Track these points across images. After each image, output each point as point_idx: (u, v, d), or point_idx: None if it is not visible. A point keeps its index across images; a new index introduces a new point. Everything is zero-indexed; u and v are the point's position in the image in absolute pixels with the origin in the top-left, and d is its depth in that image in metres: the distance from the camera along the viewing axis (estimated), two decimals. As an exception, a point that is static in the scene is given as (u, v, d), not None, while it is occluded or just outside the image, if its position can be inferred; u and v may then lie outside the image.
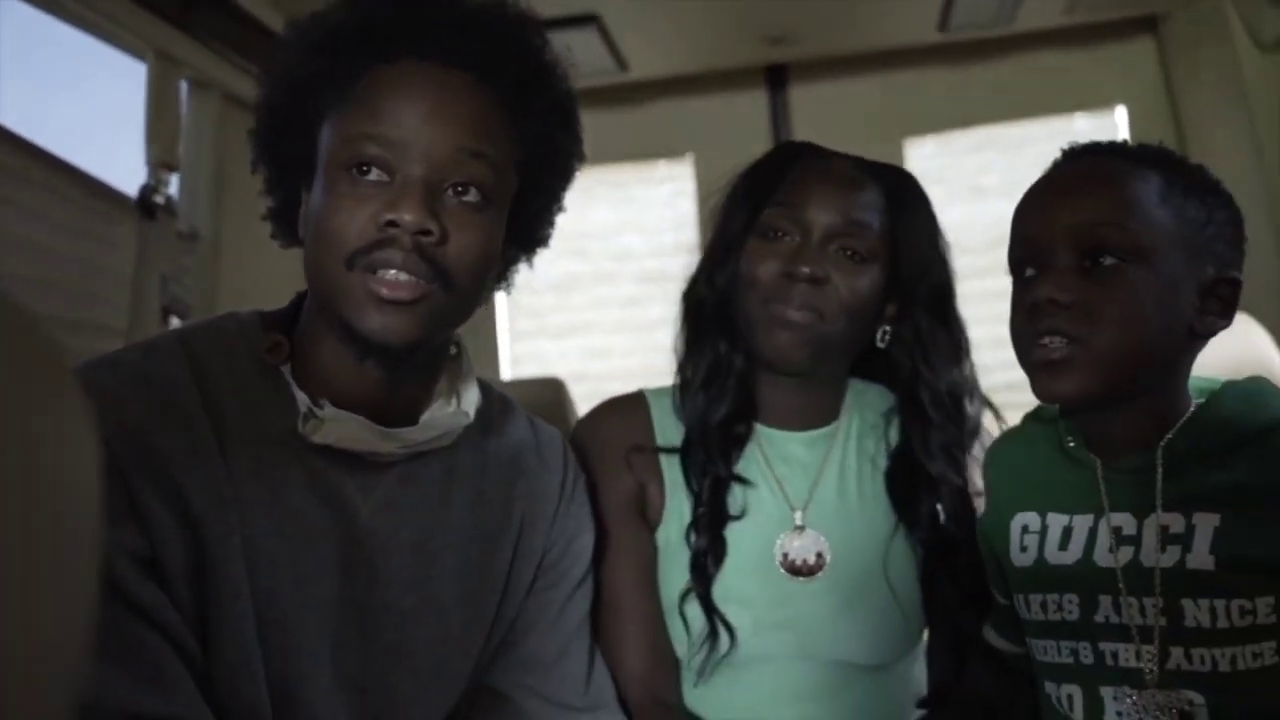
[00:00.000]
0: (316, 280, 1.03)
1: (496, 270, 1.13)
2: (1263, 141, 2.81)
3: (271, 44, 1.12)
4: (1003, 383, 3.43)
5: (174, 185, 2.41)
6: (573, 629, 1.21)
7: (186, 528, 0.93)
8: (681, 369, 1.39)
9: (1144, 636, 1.00)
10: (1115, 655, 1.02)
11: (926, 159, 3.64)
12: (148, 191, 2.29)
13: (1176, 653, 0.97)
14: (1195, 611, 0.96)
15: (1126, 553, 1.02)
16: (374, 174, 0.99)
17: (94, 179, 2.17)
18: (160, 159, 2.32)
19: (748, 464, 1.35)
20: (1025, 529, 1.12)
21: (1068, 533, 1.08)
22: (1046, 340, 1.00)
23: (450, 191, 1.00)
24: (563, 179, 1.17)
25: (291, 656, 0.99)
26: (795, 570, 1.29)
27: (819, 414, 1.39)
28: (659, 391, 1.42)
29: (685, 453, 1.34)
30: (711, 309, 1.35)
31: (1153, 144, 1.07)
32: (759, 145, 1.49)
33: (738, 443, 1.35)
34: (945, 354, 1.35)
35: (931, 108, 3.59)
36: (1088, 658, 1.04)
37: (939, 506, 1.32)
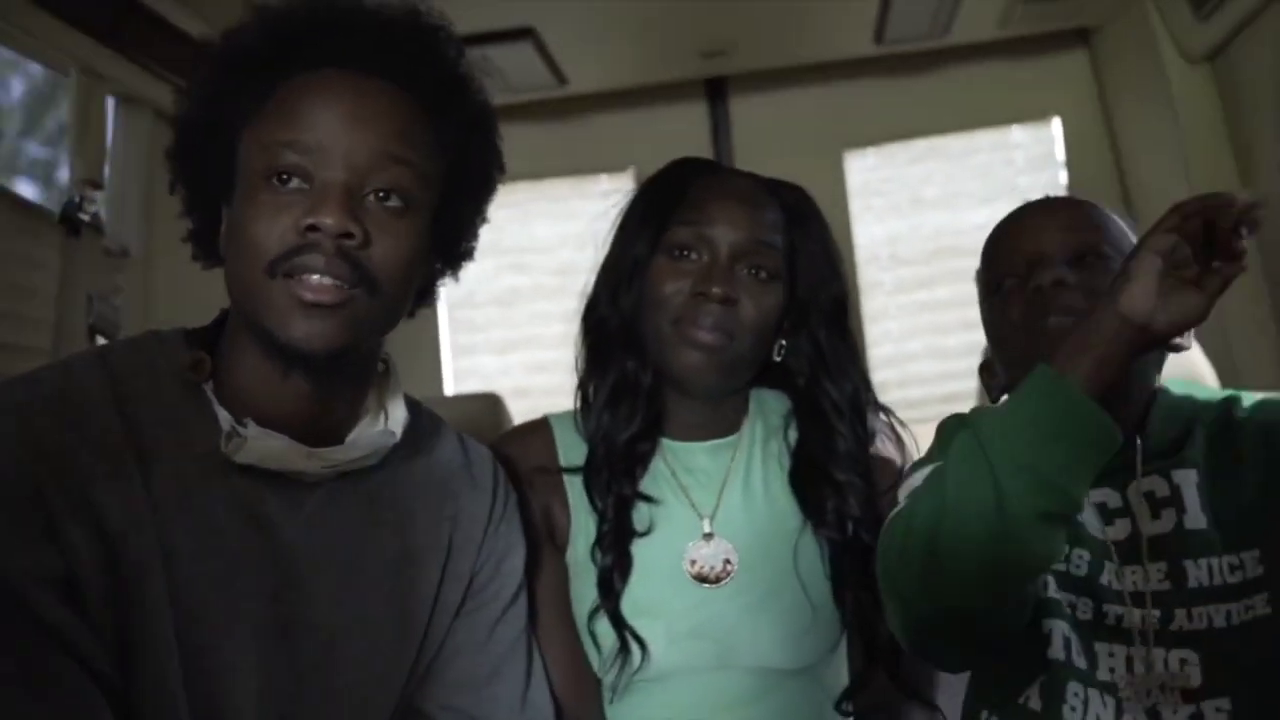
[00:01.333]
0: (238, 292, 1.01)
1: (420, 281, 1.11)
2: (1190, 151, 2.86)
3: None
4: (940, 394, 3.44)
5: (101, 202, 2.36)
6: (505, 649, 1.18)
7: (105, 549, 0.90)
8: (583, 387, 1.38)
9: (1150, 601, 1.06)
10: (1119, 618, 1.07)
11: (867, 171, 3.66)
12: (71, 209, 2.24)
13: (1180, 614, 1.05)
14: (1196, 572, 1.05)
15: (1124, 525, 1.10)
16: (293, 182, 0.97)
17: (14, 195, 2.12)
18: (85, 176, 2.27)
19: (653, 476, 1.35)
20: None
21: None
22: (1058, 318, 1.09)
23: (372, 197, 0.99)
24: (484, 190, 1.16)
25: (216, 677, 0.96)
26: (703, 578, 1.29)
27: (723, 424, 1.39)
28: (562, 415, 1.41)
29: (588, 471, 1.33)
30: (615, 328, 1.34)
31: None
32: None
33: (641, 460, 1.34)
34: (845, 364, 1.36)
35: (870, 120, 3.62)
36: (1086, 614, 1.08)
37: (846, 511, 1.31)
